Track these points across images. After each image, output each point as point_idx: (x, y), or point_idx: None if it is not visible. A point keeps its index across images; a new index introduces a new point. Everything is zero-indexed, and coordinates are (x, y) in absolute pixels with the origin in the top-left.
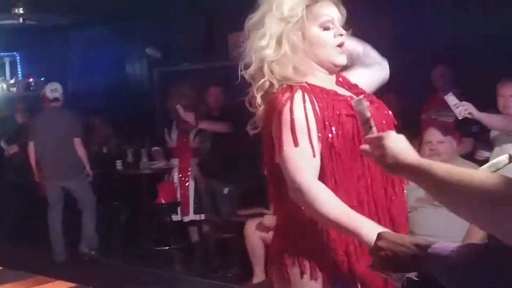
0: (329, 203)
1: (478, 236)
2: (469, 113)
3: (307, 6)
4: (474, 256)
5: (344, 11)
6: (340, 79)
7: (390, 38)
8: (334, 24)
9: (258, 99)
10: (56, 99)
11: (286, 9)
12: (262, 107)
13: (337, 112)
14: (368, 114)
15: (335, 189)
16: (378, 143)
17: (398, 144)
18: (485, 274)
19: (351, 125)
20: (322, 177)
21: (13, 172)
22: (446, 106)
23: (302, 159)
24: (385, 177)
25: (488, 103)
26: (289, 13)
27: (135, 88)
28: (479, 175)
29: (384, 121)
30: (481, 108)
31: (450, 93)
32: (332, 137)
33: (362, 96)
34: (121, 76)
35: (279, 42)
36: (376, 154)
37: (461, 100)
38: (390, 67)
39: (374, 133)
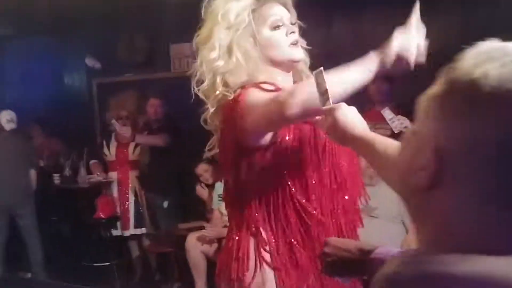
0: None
1: (413, 243)
2: (405, 127)
3: (253, 10)
4: None
5: (293, 10)
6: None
7: (328, 48)
8: (284, 23)
9: (211, 110)
10: (12, 130)
11: (233, 16)
12: (213, 110)
13: None
14: (326, 86)
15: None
16: (329, 113)
17: (347, 115)
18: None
19: (308, 129)
20: (277, 169)
21: None
22: (382, 120)
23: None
24: (337, 178)
25: None
26: (236, 20)
27: (73, 99)
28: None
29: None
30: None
31: (386, 108)
32: (290, 138)
33: (321, 68)
34: (59, 87)
35: (229, 52)
36: (327, 124)
37: (396, 114)
38: None
39: (329, 103)
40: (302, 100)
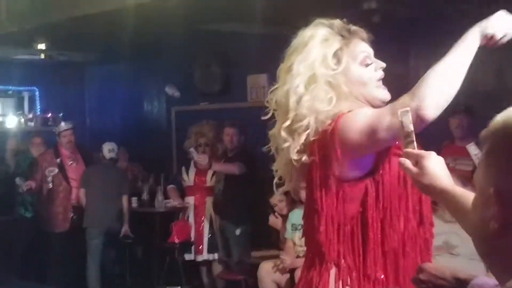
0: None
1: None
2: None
3: (339, 50)
4: None
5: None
6: None
7: (407, 83)
8: (372, 59)
9: (297, 146)
10: (111, 159)
11: (332, 63)
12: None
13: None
14: (411, 127)
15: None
16: (418, 160)
17: (436, 166)
18: None
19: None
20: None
21: (23, 207)
22: (464, 154)
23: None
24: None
25: None
26: (338, 67)
27: (152, 125)
28: None
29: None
30: None
31: (472, 143)
32: (385, 172)
33: (408, 108)
34: (139, 113)
35: (330, 95)
36: (414, 171)
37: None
38: None
39: (415, 148)
40: (437, 99)
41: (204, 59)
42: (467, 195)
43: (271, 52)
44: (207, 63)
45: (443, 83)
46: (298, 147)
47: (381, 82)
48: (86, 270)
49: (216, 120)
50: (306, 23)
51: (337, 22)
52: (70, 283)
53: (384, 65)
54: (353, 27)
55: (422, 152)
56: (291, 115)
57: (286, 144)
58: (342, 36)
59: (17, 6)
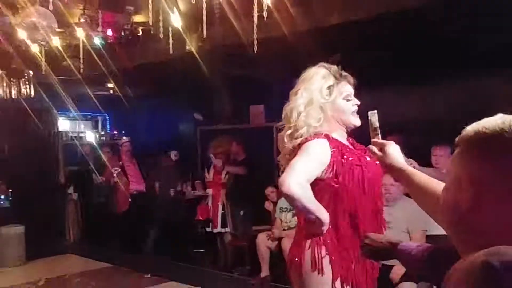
0: (306, 197)
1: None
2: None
3: (332, 86)
4: (424, 252)
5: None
6: (349, 139)
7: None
8: (351, 97)
9: (290, 140)
10: (175, 161)
11: (325, 94)
12: (291, 145)
13: (349, 159)
14: (377, 124)
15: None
16: (382, 147)
17: (395, 151)
18: (430, 264)
19: (358, 171)
20: (336, 198)
21: (97, 193)
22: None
23: (304, 168)
24: (376, 203)
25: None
26: (329, 98)
27: (184, 139)
28: (438, 186)
29: (374, 170)
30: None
31: (375, 111)
32: (340, 179)
33: (375, 110)
34: (175, 131)
35: (320, 116)
36: (379, 154)
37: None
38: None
39: (379, 139)
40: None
41: (219, 95)
42: (419, 173)
43: (266, 91)
44: (222, 97)
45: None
46: (292, 147)
47: (355, 113)
48: (145, 234)
49: (228, 136)
50: (291, 69)
51: (334, 67)
52: (130, 244)
53: (358, 102)
54: (345, 73)
55: (385, 141)
56: (292, 125)
57: (286, 145)
58: (335, 77)
59: (92, 58)
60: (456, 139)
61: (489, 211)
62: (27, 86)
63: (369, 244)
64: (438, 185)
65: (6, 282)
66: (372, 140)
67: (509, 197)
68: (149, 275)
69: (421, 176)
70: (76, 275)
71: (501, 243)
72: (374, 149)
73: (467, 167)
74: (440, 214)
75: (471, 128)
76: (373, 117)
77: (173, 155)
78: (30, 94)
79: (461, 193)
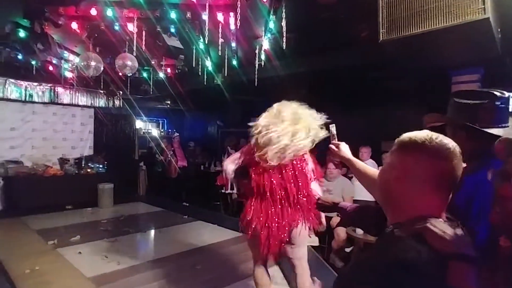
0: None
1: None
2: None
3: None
4: (355, 209)
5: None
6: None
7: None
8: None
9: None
10: (203, 148)
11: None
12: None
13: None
14: (334, 132)
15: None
16: (337, 146)
17: (346, 148)
18: (359, 215)
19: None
20: None
21: (158, 166)
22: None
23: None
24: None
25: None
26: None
27: (210, 137)
28: (371, 171)
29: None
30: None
31: (333, 125)
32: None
33: (333, 124)
34: (205, 132)
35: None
36: (335, 150)
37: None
38: None
39: (336, 141)
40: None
41: (233, 110)
42: (360, 162)
43: (262, 108)
44: (235, 111)
45: None
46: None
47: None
48: (185, 192)
49: (238, 136)
50: (277, 97)
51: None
52: (176, 197)
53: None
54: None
55: (340, 142)
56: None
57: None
58: None
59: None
60: (395, 140)
61: (399, 186)
62: (118, 100)
63: (321, 202)
64: (370, 170)
65: (102, 217)
66: (332, 142)
67: (407, 179)
68: (186, 216)
69: (360, 163)
70: (143, 215)
71: (406, 208)
72: (333, 147)
73: (396, 158)
74: (372, 187)
75: (406, 135)
76: (333, 128)
77: (192, 144)
78: (120, 106)
79: (390, 174)
